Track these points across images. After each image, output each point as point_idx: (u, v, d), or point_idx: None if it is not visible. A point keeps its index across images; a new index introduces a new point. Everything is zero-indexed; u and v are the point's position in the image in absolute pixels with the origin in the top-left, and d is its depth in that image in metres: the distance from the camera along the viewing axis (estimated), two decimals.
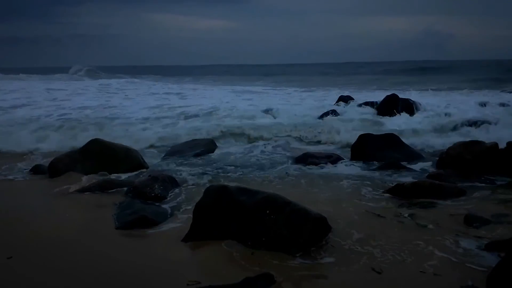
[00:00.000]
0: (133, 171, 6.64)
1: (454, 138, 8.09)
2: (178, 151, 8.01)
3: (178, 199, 5.28)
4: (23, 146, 8.44)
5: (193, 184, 5.92)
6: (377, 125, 10.08)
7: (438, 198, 5.02)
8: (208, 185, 5.15)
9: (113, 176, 6.30)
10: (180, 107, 13.92)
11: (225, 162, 7.28)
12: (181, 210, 4.90)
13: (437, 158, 6.84)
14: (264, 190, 4.24)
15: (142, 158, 7.10)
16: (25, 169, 6.90)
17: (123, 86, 26.48)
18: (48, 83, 28.46)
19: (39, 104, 15.06)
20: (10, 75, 37.00)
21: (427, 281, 3.19)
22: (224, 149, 8.36)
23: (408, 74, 37.57)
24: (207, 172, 6.60)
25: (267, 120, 11.08)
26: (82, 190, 5.61)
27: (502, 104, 12.54)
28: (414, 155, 7.34)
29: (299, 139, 9.26)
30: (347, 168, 6.70)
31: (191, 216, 4.15)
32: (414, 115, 10.93)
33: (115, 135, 8.86)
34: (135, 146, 7.79)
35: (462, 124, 9.32)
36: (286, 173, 6.42)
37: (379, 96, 13.94)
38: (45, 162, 7.00)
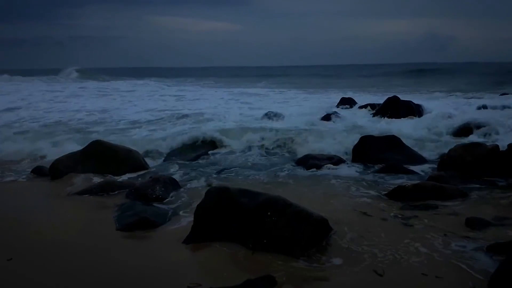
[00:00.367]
0: (134, 173, 6.64)
1: (455, 140, 8.08)
2: (179, 153, 8.02)
3: (179, 201, 5.28)
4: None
5: (194, 186, 5.92)
6: (378, 127, 10.07)
7: (440, 200, 5.01)
8: (209, 187, 5.16)
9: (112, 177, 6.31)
10: (177, 109, 13.92)
11: (226, 164, 7.29)
12: (182, 211, 4.89)
13: (438, 160, 6.84)
14: (265, 192, 4.24)
15: (144, 160, 7.11)
16: (27, 171, 6.90)
17: (118, 88, 26.61)
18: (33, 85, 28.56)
19: None
20: None
21: (429, 283, 3.18)
22: (225, 150, 8.36)
23: (410, 76, 37.62)
24: (208, 173, 6.60)
25: (268, 122, 11.07)
26: (83, 192, 5.61)
27: (503, 107, 12.55)
28: (415, 157, 7.33)
29: (299, 141, 9.22)
30: (348, 169, 6.69)
31: (192, 217, 4.15)
32: (415, 117, 10.93)
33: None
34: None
35: (463, 126, 9.30)
36: (275, 174, 6.50)
37: (380, 98, 13.97)
38: (47, 163, 7.00)
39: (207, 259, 3.71)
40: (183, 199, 5.36)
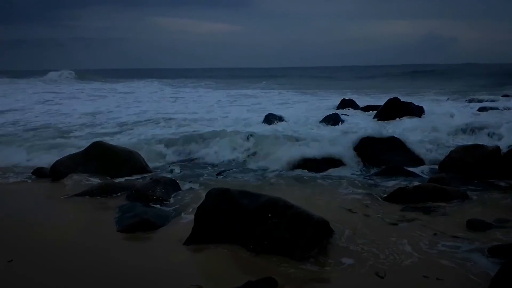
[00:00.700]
0: (135, 174, 6.64)
1: (456, 142, 8.07)
2: (180, 154, 8.01)
3: (180, 202, 5.28)
4: None
5: (194, 187, 5.92)
6: (378, 128, 10.05)
7: (441, 202, 5.00)
8: (209, 188, 5.15)
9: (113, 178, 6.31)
10: (167, 112, 13.82)
11: (225, 166, 7.28)
12: (183, 213, 4.89)
13: (439, 162, 6.82)
14: (266, 194, 4.23)
15: (145, 161, 7.11)
16: (27, 172, 6.90)
17: (116, 90, 26.66)
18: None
19: None
20: None
21: (430, 285, 3.18)
22: (225, 152, 8.34)
23: (410, 77, 37.61)
24: (208, 175, 6.60)
25: (267, 126, 11.06)
26: (84, 193, 5.60)
27: (504, 108, 12.53)
28: (416, 158, 7.32)
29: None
30: (349, 171, 6.68)
31: (193, 219, 4.14)
32: (416, 119, 10.91)
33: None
34: None
35: (464, 128, 9.29)
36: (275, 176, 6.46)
37: (381, 99, 13.94)
38: (47, 164, 6.99)
39: (207, 260, 3.71)
40: (183, 200, 5.36)
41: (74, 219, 4.83)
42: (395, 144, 7.55)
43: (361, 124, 10.67)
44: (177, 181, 5.94)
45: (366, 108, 12.99)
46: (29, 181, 6.51)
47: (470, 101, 15.15)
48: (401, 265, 3.49)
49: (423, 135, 9.10)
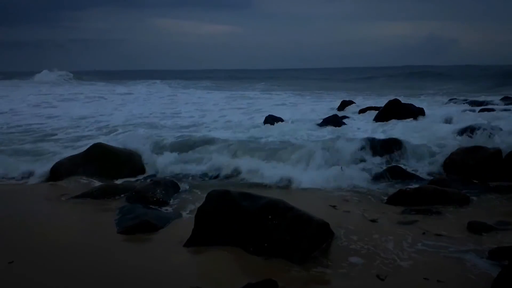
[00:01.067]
0: (136, 176, 6.63)
1: (457, 144, 8.05)
2: (181, 154, 7.99)
3: (180, 204, 5.27)
4: None
5: (195, 189, 5.91)
6: (379, 130, 10.05)
7: (442, 204, 5.00)
8: (209, 190, 5.14)
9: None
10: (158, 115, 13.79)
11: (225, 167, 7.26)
12: (183, 214, 4.89)
13: (440, 164, 6.81)
14: (266, 195, 4.23)
15: (143, 166, 7.09)
16: (28, 173, 6.89)
17: (114, 91, 26.66)
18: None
19: None
20: None
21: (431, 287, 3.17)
22: (225, 154, 8.33)
23: (411, 79, 37.60)
24: (209, 176, 6.59)
25: (267, 126, 11.07)
26: (84, 195, 5.60)
27: (505, 110, 12.52)
28: (416, 160, 7.30)
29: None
30: (349, 173, 6.66)
31: (193, 221, 4.14)
32: (417, 120, 10.91)
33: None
34: None
35: (465, 130, 9.27)
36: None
37: (381, 101, 13.95)
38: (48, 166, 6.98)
39: (208, 262, 3.70)
40: (184, 202, 5.35)
41: (74, 220, 4.83)
42: (395, 145, 7.53)
43: (360, 126, 10.68)
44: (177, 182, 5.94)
45: (367, 110, 12.99)
46: (29, 182, 6.50)
47: (471, 102, 15.13)
48: (402, 267, 3.48)
49: (423, 137, 9.10)
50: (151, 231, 4.35)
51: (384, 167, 6.72)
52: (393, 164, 6.79)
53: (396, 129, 10.08)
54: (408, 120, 10.95)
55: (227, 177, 6.63)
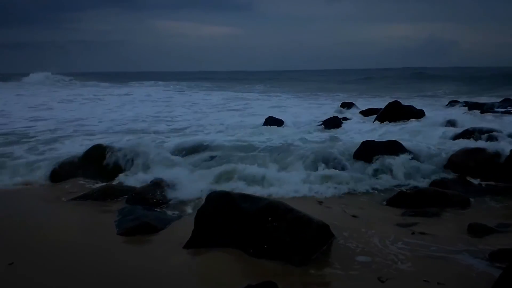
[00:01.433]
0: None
1: (457, 145, 8.04)
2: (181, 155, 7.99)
3: (180, 205, 5.27)
4: None
5: (195, 190, 5.90)
6: (379, 131, 10.05)
7: (442, 206, 4.99)
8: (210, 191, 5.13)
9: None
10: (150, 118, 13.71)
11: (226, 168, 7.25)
12: (183, 216, 4.88)
13: (440, 166, 6.80)
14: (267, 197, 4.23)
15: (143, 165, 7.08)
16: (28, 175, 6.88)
17: (112, 93, 26.67)
18: None
19: None
20: None
21: None
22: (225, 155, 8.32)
23: (412, 80, 37.65)
24: (209, 177, 6.58)
25: (268, 128, 11.09)
26: (84, 196, 5.60)
27: (505, 112, 12.52)
28: (416, 162, 7.28)
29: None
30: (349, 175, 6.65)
31: (193, 222, 4.13)
32: (417, 122, 10.91)
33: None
34: None
35: (465, 132, 9.26)
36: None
37: (382, 103, 13.96)
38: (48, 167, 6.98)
39: (207, 264, 3.70)
40: (184, 203, 5.34)
41: (74, 222, 4.82)
42: (395, 147, 7.52)
43: (360, 127, 10.68)
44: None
45: (367, 111, 13.00)
46: (30, 184, 6.50)
47: (471, 104, 15.13)
48: (402, 269, 3.47)
49: (423, 139, 9.09)
50: (151, 233, 4.35)
51: (384, 169, 6.71)
52: (393, 166, 6.78)
53: (396, 131, 10.08)
54: (408, 121, 10.96)
55: None
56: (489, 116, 12.01)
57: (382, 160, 6.96)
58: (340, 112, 13.56)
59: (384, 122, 11.09)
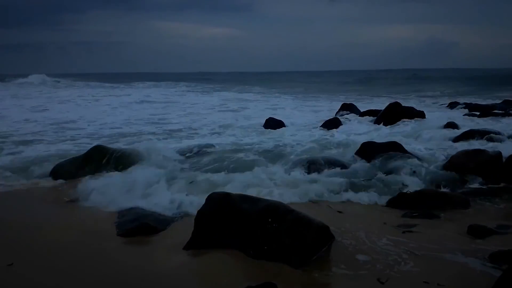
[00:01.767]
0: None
1: (458, 147, 8.05)
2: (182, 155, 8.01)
3: (180, 206, 5.25)
4: None
5: (195, 191, 5.89)
6: (379, 133, 10.06)
7: (442, 208, 4.99)
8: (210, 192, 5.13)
9: None
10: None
11: (226, 169, 7.26)
12: (183, 217, 4.88)
13: (440, 167, 6.80)
14: (267, 198, 4.23)
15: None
16: (28, 175, 6.88)
17: (111, 94, 26.66)
18: None
19: None
20: None
21: None
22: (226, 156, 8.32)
23: (412, 82, 37.68)
24: (210, 178, 6.58)
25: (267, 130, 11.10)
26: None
27: (505, 113, 12.53)
28: (416, 163, 7.28)
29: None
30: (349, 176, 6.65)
31: (193, 223, 4.13)
32: (417, 124, 10.91)
33: None
34: None
35: (466, 133, 9.27)
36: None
37: (382, 104, 13.96)
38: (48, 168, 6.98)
39: (207, 265, 3.69)
40: (184, 204, 5.33)
41: (73, 222, 4.81)
42: (395, 148, 7.52)
43: (360, 129, 10.69)
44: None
45: (367, 113, 13.00)
46: (30, 184, 6.49)
47: (471, 106, 15.15)
48: (402, 271, 3.47)
49: (424, 140, 9.10)
50: (151, 234, 4.35)
51: (384, 170, 6.72)
52: (393, 167, 6.78)
53: (395, 132, 10.09)
54: (409, 123, 10.97)
55: None
56: (489, 117, 12.02)
57: (382, 161, 6.98)
58: (340, 113, 13.57)
59: (384, 123, 11.10)
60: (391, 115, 11.39)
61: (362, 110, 13.67)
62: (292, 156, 7.65)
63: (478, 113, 12.85)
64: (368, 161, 7.13)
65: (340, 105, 14.56)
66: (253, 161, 7.37)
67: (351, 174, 6.56)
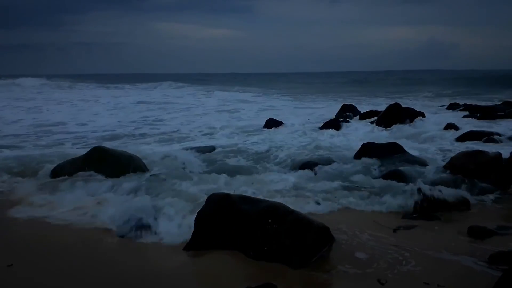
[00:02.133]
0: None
1: (458, 148, 8.06)
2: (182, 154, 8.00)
3: (180, 207, 5.25)
4: None
5: (195, 191, 5.89)
6: (379, 134, 10.06)
7: (442, 208, 4.98)
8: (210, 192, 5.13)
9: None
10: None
11: (227, 169, 7.26)
12: (183, 218, 4.87)
13: (441, 168, 6.80)
14: (267, 199, 4.23)
15: (145, 166, 7.09)
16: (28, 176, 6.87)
17: (109, 94, 26.63)
18: None
19: None
20: None
21: None
22: (226, 156, 8.33)
23: (412, 83, 37.72)
24: (210, 178, 6.58)
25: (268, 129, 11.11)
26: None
27: (505, 114, 12.52)
28: (417, 164, 7.29)
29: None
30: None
31: (193, 224, 4.13)
32: (417, 125, 10.92)
33: None
34: None
35: (466, 134, 9.28)
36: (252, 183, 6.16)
37: (382, 105, 13.96)
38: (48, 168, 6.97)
39: (207, 266, 3.69)
40: (184, 205, 5.33)
41: (74, 222, 4.81)
42: (395, 149, 7.53)
43: (360, 130, 10.69)
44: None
45: (367, 114, 13.00)
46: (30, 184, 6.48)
47: (471, 107, 15.13)
48: (402, 272, 3.47)
49: (424, 141, 9.11)
50: (151, 235, 4.34)
51: (384, 171, 6.72)
52: (394, 168, 6.78)
53: (396, 133, 10.10)
54: (409, 124, 10.97)
55: None
56: (489, 119, 12.01)
57: (382, 162, 6.98)
58: (340, 114, 13.56)
59: (385, 125, 11.10)
60: (391, 116, 11.39)
61: (362, 111, 13.67)
62: (291, 158, 7.65)
63: (478, 114, 12.85)
64: (369, 162, 7.13)
65: (340, 106, 14.57)
66: (252, 162, 7.37)
67: (351, 175, 6.56)
